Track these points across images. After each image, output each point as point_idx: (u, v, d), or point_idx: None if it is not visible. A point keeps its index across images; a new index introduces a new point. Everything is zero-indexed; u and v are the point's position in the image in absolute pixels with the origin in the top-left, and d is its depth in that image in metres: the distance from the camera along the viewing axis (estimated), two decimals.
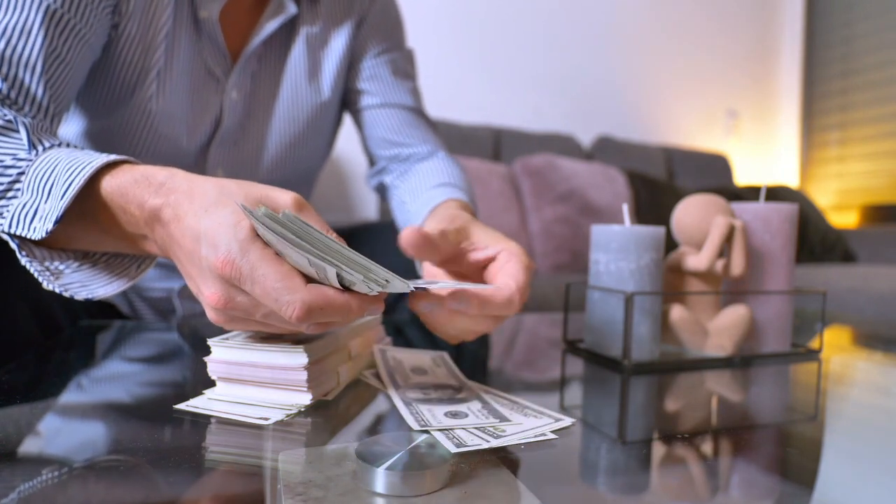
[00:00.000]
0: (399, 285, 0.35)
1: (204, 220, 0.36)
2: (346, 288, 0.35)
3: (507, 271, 0.44)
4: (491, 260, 0.47)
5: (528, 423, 0.36)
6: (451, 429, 0.34)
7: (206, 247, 0.35)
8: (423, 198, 0.72)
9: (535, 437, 0.35)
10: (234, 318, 0.37)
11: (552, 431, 0.36)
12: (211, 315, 0.37)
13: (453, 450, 0.31)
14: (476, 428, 0.35)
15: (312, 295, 0.33)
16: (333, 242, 0.34)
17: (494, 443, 0.33)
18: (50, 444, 0.34)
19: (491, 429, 0.35)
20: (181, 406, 0.38)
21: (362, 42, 0.80)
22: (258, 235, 0.34)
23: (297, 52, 0.75)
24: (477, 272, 0.48)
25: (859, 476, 0.33)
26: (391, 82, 0.82)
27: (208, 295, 0.36)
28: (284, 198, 0.38)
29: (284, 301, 0.33)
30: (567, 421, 0.37)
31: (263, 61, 0.74)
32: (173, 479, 0.29)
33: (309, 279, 0.35)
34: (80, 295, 0.45)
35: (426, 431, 0.34)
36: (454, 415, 0.37)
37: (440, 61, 2.25)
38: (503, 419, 0.37)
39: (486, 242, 0.48)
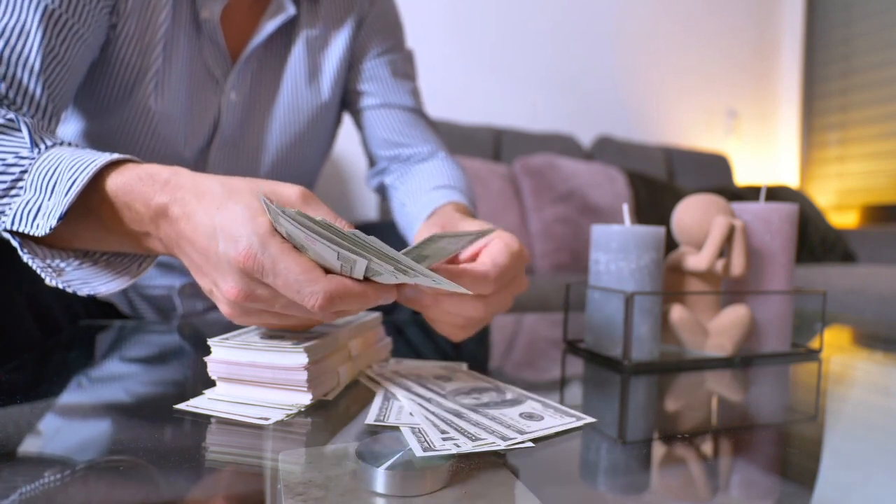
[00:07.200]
0: (424, 280, 0.35)
1: (217, 217, 0.37)
2: (364, 278, 0.37)
3: (489, 251, 0.45)
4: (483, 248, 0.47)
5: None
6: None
7: (224, 242, 0.36)
8: (423, 200, 0.72)
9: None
10: (250, 311, 0.38)
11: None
12: (225, 309, 0.39)
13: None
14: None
15: (333, 285, 0.35)
16: (360, 236, 0.35)
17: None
18: (50, 443, 0.34)
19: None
20: (181, 406, 0.38)
21: (362, 43, 0.80)
22: (276, 230, 0.36)
23: (297, 53, 0.75)
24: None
25: (859, 476, 0.33)
26: (391, 83, 0.82)
27: (227, 289, 0.37)
28: (290, 191, 0.39)
29: (307, 292, 0.35)
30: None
31: (263, 63, 0.74)
32: (173, 479, 0.29)
33: (327, 270, 0.36)
34: (83, 291, 0.45)
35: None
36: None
37: (441, 61, 2.26)
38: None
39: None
